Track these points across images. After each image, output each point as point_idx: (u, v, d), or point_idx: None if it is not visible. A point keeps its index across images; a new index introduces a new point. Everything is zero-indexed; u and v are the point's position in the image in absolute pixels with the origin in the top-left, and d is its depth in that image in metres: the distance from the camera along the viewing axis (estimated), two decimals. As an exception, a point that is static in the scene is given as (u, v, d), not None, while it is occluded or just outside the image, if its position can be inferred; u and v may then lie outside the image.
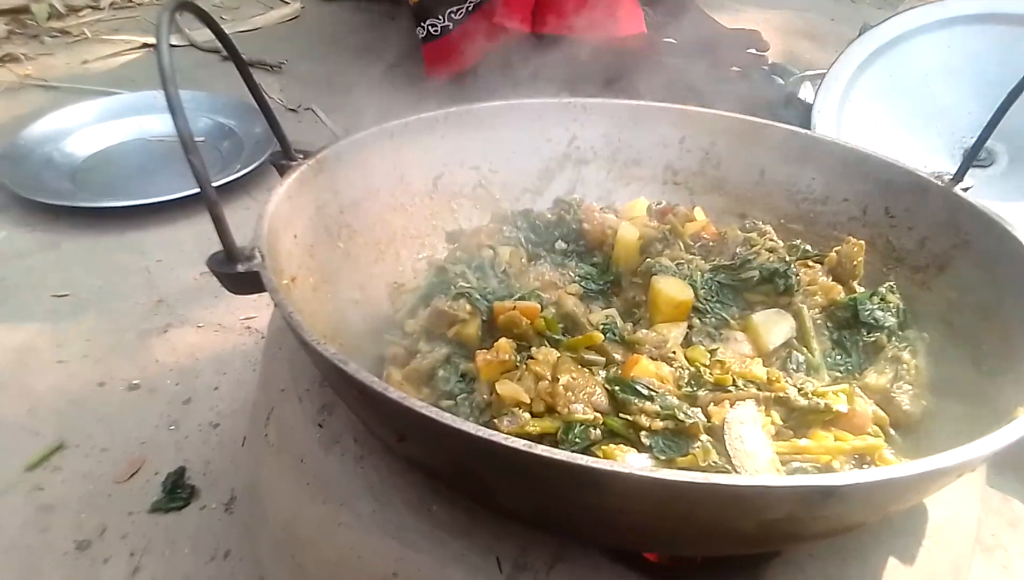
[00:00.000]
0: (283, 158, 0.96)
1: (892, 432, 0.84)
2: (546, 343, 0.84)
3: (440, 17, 2.17)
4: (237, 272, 0.73)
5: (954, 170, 1.01)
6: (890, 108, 1.91)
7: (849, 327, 0.93)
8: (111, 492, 1.12)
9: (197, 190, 0.68)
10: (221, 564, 1.02)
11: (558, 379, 0.75)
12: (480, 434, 0.55)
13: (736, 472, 0.69)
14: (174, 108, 0.65)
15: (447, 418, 0.57)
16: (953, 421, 0.83)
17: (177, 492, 1.11)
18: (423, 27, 2.19)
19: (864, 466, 0.77)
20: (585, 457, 0.54)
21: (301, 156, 0.96)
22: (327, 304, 0.92)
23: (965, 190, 0.99)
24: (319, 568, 0.83)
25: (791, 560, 0.73)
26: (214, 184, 1.83)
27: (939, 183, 1.01)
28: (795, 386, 0.79)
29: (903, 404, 0.85)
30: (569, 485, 0.57)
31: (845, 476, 0.53)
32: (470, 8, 2.11)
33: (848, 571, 0.73)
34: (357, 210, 1.04)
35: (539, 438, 0.74)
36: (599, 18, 1.92)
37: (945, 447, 0.74)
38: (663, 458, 0.71)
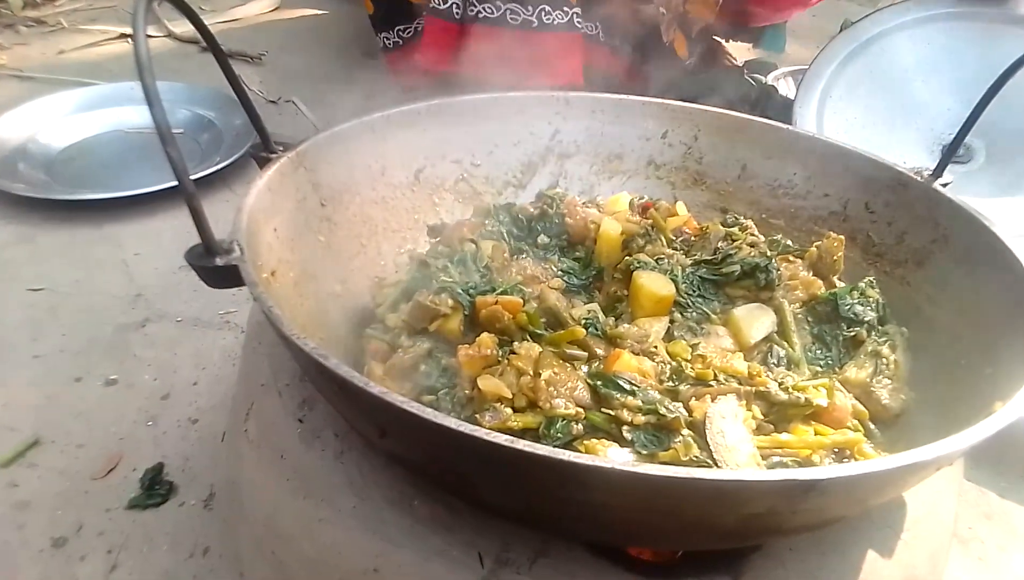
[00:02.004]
0: (263, 151, 0.95)
1: (872, 426, 0.85)
2: (528, 338, 0.84)
3: (390, 33, 2.18)
4: (216, 266, 0.72)
5: (933, 166, 1.02)
6: (870, 104, 1.92)
7: (829, 322, 0.93)
8: (88, 489, 1.10)
9: (175, 183, 0.67)
10: (200, 561, 1.01)
11: (540, 374, 0.75)
12: (461, 429, 0.55)
13: (717, 466, 0.69)
14: (151, 99, 0.64)
15: (428, 413, 0.56)
16: (932, 415, 0.84)
17: (155, 489, 1.10)
18: (379, 38, 2.23)
19: (844, 460, 0.78)
20: (567, 452, 0.53)
21: (281, 149, 0.95)
22: (308, 298, 0.91)
23: (944, 186, 1.00)
24: (299, 564, 0.82)
25: (771, 554, 0.73)
26: (193, 177, 1.80)
27: (918, 179, 1.02)
28: (776, 381, 0.80)
29: (882, 398, 0.86)
30: (551, 480, 0.57)
31: (825, 470, 0.53)
32: (418, 29, 2.11)
33: (828, 564, 0.74)
34: (338, 203, 1.03)
35: (521, 433, 0.73)
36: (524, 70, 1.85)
37: (924, 441, 0.74)
38: (645, 453, 0.71)
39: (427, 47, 2.00)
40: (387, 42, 2.21)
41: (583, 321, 0.87)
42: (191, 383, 1.29)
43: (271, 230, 0.88)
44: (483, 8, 1.93)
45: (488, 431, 0.55)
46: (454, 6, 1.95)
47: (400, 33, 2.16)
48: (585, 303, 0.96)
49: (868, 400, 0.86)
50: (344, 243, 1.03)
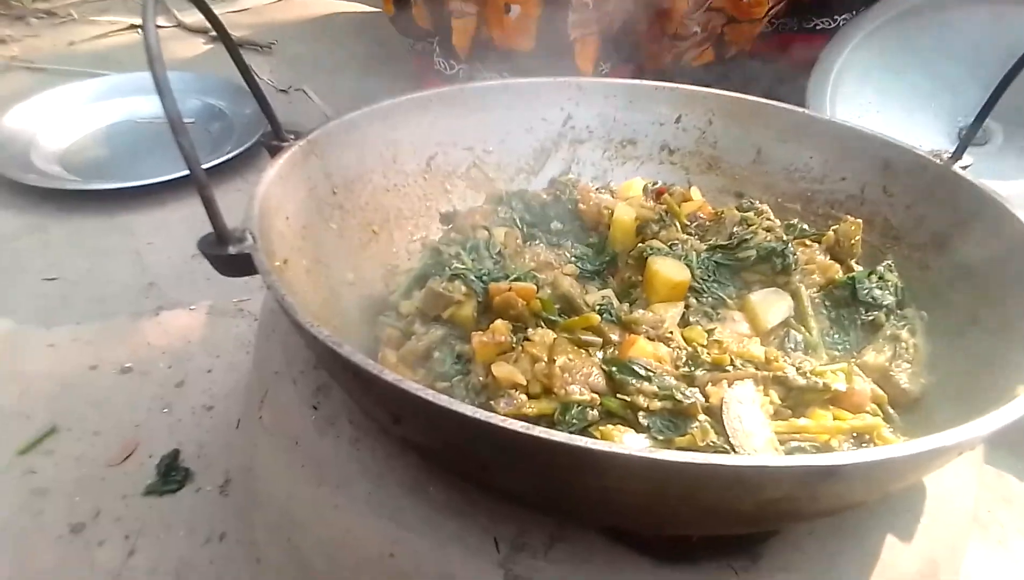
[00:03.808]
0: (274, 139, 0.95)
1: (891, 411, 0.84)
2: (542, 324, 0.84)
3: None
4: (228, 254, 0.72)
5: (952, 149, 1.00)
6: (885, 88, 1.90)
7: (847, 306, 0.92)
8: (104, 475, 1.11)
9: (187, 172, 0.67)
10: (217, 547, 1.01)
11: (555, 361, 0.74)
12: (476, 416, 0.55)
13: (735, 452, 0.69)
14: (161, 88, 0.64)
15: (443, 400, 0.56)
16: (952, 399, 0.83)
17: (171, 475, 1.10)
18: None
19: (863, 445, 0.77)
20: (583, 438, 0.53)
21: (292, 137, 0.95)
22: (320, 286, 0.91)
23: (964, 168, 0.99)
24: (315, 550, 0.82)
25: (789, 538, 0.73)
26: (204, 166, 1.80)
27: (938, 161, 1.00)
28: (793, 365, 0.79)
29: (902, 382, 0.85)
30: (566, 466, 0.56)
31: (845, 456, 0.52)
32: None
33: (846, 549, 0.73)
34: (350, 191, 1.03)
35: (536, 419, 0.73)
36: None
37: (944, 425, 0.73)
38: (661, 438, 0.70)
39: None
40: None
41: (597, 307, 0.87)
42: (205, 370, 1.30)
43: (283, 219, 0.87)
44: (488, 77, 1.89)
45: (503, 418, 0.55)
46: (460, 72, 1.92)
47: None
48: (599, 289, 0.96)
49: (887, 384, 0.85)
50: (356, 231, 1.03)
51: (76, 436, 1.17)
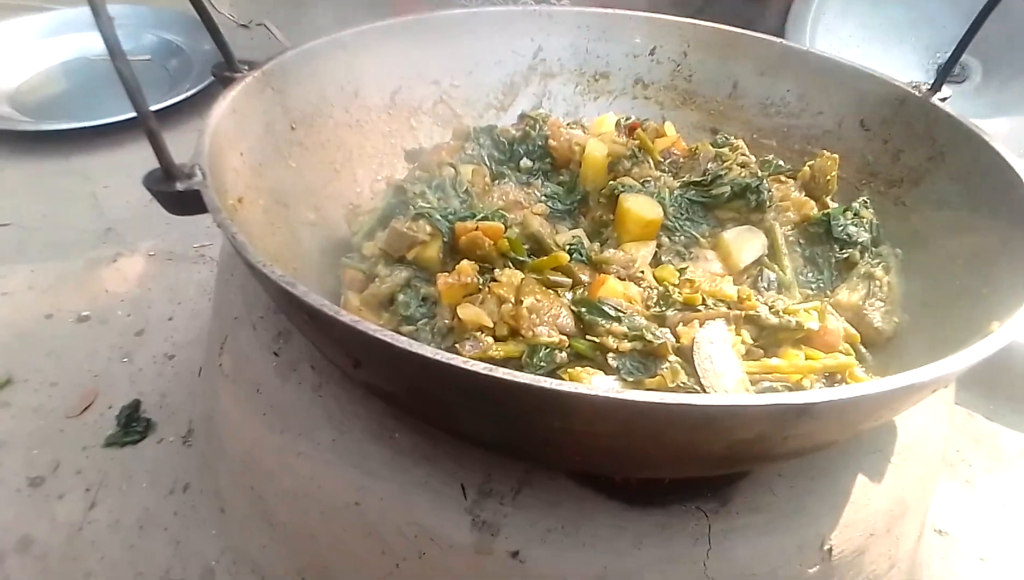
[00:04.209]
0: (226, 70, 0.89)
1: (863, 350, 0.83)
2: (510, 265, 0.81)
3: None
4: (176, 191, 0.68)
5: (931, 82, 0.97)
6: (865, 21, 1.86)
7: (821, 243, 0.90)
8: (63, 427, 1.08)
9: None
10: (181, 497, 0.99)
11: (522, 302, 0.72)
12: (437, 358, 0.52)
13: (705, 393, 0.67)
14: (97, 9, 0.59)
15: (402, 342, 0.53)
16: (925, 338, 0.82)
17: (132, 426, 1.07)
18: None
19: (835, 385, 0.76)
20: (549, 379, 0.51)
21: (246, 68, 0.90)
22: (279, 227, 0.87)
23: (943, 100, 0.96)
24: (279, 499, 0.81)
25: (760, 480, 0.72)
26: (162, 105, 1.73)
27: (916, 93, 0.97)
28: (766, 304, 0.77)
29: (875, 321, 0.84)
30: (532, 409, 0.54)
31: (817, 394, 0.51)
32: None
33: (817, 489, 0.72)
34: (309, 127, 0.98)
35: (503, 362, 0.71)
36: None
37: (917, 364, 0.72)
38: (631, 380, 0.69)
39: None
40: None
41: (567, 247, 0.84)
42: (166, 318, 1.26)
43: (237, 155, 0.83)
44: None
45: (465, 359, 0.52)
46: None
47: None
48: (570, 229, 0.93)
49: (860, 323, 0.84)
50: (317, 169, 0.98)
51: (33, 387, 1.13)
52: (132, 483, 1.02)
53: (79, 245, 1.40)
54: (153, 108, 1.65)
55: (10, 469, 1.02)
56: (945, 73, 0.95)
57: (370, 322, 0.81)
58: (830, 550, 0.72)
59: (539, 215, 0.91)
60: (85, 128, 1.64)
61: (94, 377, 1.15)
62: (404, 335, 0.78)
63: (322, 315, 0.57)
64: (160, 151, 0.68)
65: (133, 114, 1.68)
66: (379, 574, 0.74)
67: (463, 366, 0.52)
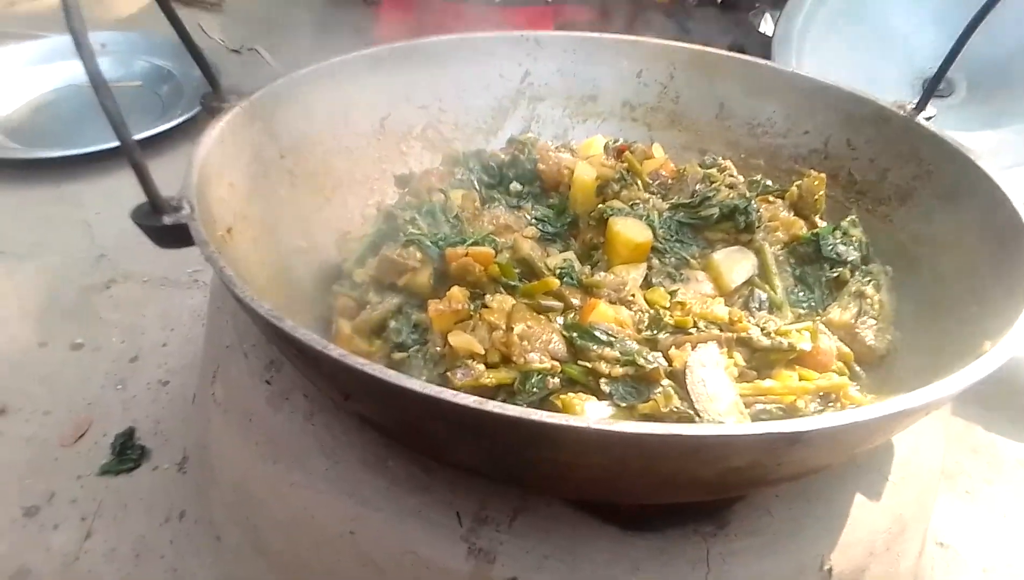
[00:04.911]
0: (214, 100, 0.90)
1: (857, 368, 0.83)
2: (501, 290, 0.81)
3: None
4: (163, 225, 0.68)
5: (916, 100, 0.98)
6: (850, 39, 1.87)
7: (811, 262, 0.91)
8: (57, 456, 1.07)
9: (138, 137, 0.63)
10: (176, 525, 0.98)
11: (512, 328, 0.72)
12: (426, 391, 0.52)
13: (699, 417, 0.67)
14: (79, 41, 0.59)
15: (391, 375, 0.53)
16: (918, 355, 0.82)
17: (127, 453, 1.07)
18: None
19: (829, 405, 0.76)
20: (539, 412, 0.51)
21: (234, 98, 0.90)
22: (270, 255, 0.87)
23: (927, 120, 0.97)
24: (274, 529, 0.80)
25: (757, 502, 0.72)
26: (153, 131, 1.73)
27: (901, 113, 0.98)
28: (758, 326, 0.77)
29: (867, 339, 0.84)
30: (523, 441, 0.54)
31: (810, 422, 0.51)
32: None
33: (814, 511, 0.72)
34: (299, 154, 0.98)
35: (495, 390, 0.71)
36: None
37: (911, 382, 0.72)
38: (624, 405, 0.69)
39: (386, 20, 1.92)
40: None
41: (558, 270, 0.84)
42: (160, 344, 1.26)
43: (226, 185, 0.83)
44: None
45: (454, 392, 0.52)
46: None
47: None
48: (560, 252, 0.93)
49: (853, 341, 0.84)
50: (307, 196, 0.98)
51: (25, 416, 1.13)
52: (127, 512, 1.01)
53: (72, 272, 1.40)
54: (143, 135, 1.65)
55: (4, 499, 1.01)
56: (930, 92, 0.96)
57: (361, 349, 0.83)
58: (830, 570, 0.71)
59: (529, 238, 0.92)
60: (76, 155, 1.64)
61: (88, 405, 1.15)
62: (396, 362, 0.80)
63: (310, 350, 0.57)
64: (146, 184, 0.68)
65: (135, 137, 1.68)
66: (374, 604, 0.74)
67: (451, 399, 0.52)
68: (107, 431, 1.10)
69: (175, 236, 0.69)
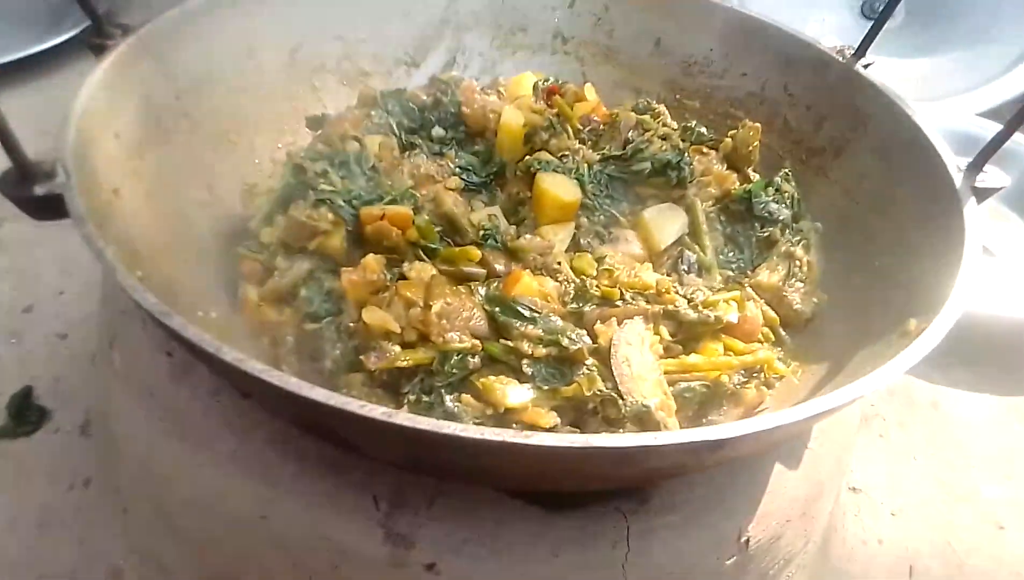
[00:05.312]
0: (95, 36, 0.79)
1: (783, 333, 0.82)
2: (421, 255, 0.76)
3: None
4: (35, 195, 0.61)
5: (855, 45, 0.94)
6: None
7: (743, 221, 0.88)
8: (-53, 419, 1.00)
9: (21, 54, 0.54)
10: (82, 493, 0.94)
11: (431, 306, 0.67)
12: (331, 403, 0.48)
13: (622, 398, 0.65)
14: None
15: (292, 384, 0.49)
16: (844, 320, 0.82)
17: (25, 415, 1.00)
18: None
19: (754, 376, 0.75)
20: (451, 424, 0.47)
21: (119, 32, 0.80)
22: (165, 213, 0.79)
23: (866, 67, 0.93)
24: (182, 509, 0.76)
25: (681, 478, 0.71)
26: (41, 47, 1.55)
27: (840, 59, 0.94)
28: (685, 297, 0.75)
29: (794, 303, 0.83)
30: (437, 449, 0.51)
31: (732, 428, 0.48)
32: None
33: (736, 483, 0.72)
34: (198, 95, 0.89)
35: (412, 371, 0.67)
36: None
37: (835, 349, 0.72)
38: (546, 388, 0.66)
39: None
40: None
41: (482, 230, 0.79)
42: (57, 293, 1.17)
43: (111, 137, 0.75)
44: None
45: (362, 404, 0.48)
46: None
47: None
48: (486, 204, 0.88)
49: (780, 305, 0.83)
50: (208, 142, 0.90)
51: (-90, 374, 1.05)
52: (29, 478, 0.95)
53: (-46, 211, 1.27)
54: (28, 52, 1.46)
55: None
56: (871, 37, 0.92)
57: (270, 318, 0.77)
58: (747, 541, 0.72)
59: (453, 191, 0.86)
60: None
61: (-22, 361, 1.07)
62: (308, 334, 0.75)
63: (202, 351, 0.51)
64: (12, 149, 0.60)
65: (10, 57, 1.51)
66: (290, 586, 0.71)
67: (359, 412, 0.48)
68: (2, 390, 1.03)
69: (50, 207, 0.62)
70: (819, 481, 0.78)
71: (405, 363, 0.66)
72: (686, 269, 0.83)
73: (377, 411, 0.48)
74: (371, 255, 0.73)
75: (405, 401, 0.66)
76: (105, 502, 0.92)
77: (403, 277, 0.72)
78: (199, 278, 0.79)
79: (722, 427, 0.49)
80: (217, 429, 0.73)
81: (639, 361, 0.67)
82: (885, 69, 0.96)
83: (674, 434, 0.48)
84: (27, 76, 1.51)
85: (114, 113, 0.75)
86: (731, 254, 0.87)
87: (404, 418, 0.47)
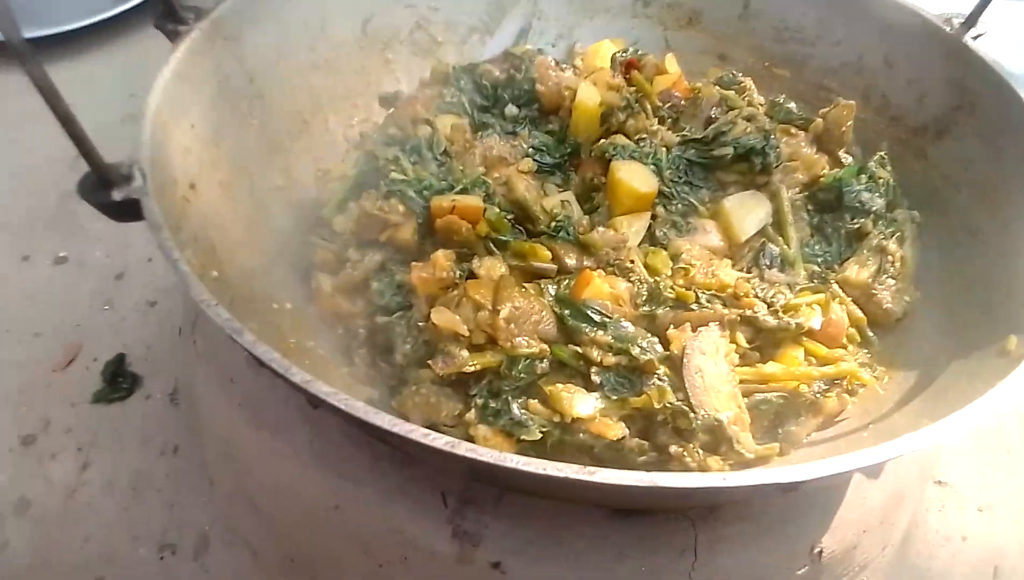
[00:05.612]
0: (169, 21, 0.79)
1: (870, 333, 0.78)
2: (492, 246, 0.75)
3: None
4: (113, 201, 0.62)
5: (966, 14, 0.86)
6: None
7: (832, 211, 0.83)
8: (50, 382, 1.06)
9: (116, 10, 0.55)
10: (171, 459, 0.98)
11: (499, 311, 0.66)
12: (395, 430, 0.48)
13: (693, 412, 0.63)
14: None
15: (358, 409, 0.49)
16: (936, 320, 0.77)
17: (119, 381, 1.05)
18: None
19: (836, 383, 0.72)
20: (509, 457, 0.47)
21: (192, 17, 0.80)
22: (242, 201, 0.80)
23: (976, 38, 0.85)
24: (261, 491, 0.79)
25: (749, 486, 0.69)
26: (119, 8, 1.55)
27: (947, 28, 0.86)
28: (764, 301, 0.71)
29: (884, 302, 0.78)
30: (498, 475, 0.51)
31: (800, 471, 0.46)
32: None
33: (812, 495, 0.70)
34: (272, 75, 0.89)
35: (480, 373, 0.67)
36: None
37: (926, 355, 0.67)
38: (615, 398, 0.65)
39: None
40: None
41: (554, 220, 0.77)
42: (146, 259, 1.21)
43: (187, 128, 0.75)
44: None
45: (426, 432, 0.48)
46: None
47: None
48: (559, 187, 0.86)
49: (868, 303, 0.79)
50: (283, 123, 0.90)
51: (16, 338, 1.11)
52: (123, 442, 1.01)
53: (49, 175, 1.32)
54: (104, 16, 1.44)
55: (1, 428, 1.01)
56: (983, 5, 0.84)
57: (344, 309, 0.78)
58: (820, 552, 0.70)
59: (525, 174, 0.84)
60: (47, 36, 1.51)
61: (76, 327, 1.12)
62: (380, 326, 0.75)
63: (271, 368, 0.52)
64: (89, 155, 0.61)
65: (100, 16, 1.51)
66: (362, 573, 0.74)
67: (421, 441, 0.48)
68: (97, 356, 1.08)
69: (130, 211, 0.63)
70: (899, 491, 0.75)
71: (472, 368, 0.66)
72: (768, 264, 0.79)
73: (440, 441, 0.48)
74: (441, 251, 0.72)
75: (473, 405, 0.66)
76: (192, 470, 0.97)
77: (472, 274, 0.71)
78: (275, 267, 0.80)
79: (794, 469, 0.47)
80: (293, 420, 0.75)
81: (713, 372, 0.65)
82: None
83: (743, 475, 0.46)
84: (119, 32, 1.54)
85: (189, 102, 0.76)
86: (817, 247, 0.83)
87: (466, 449, 0.47)
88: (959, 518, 0.97)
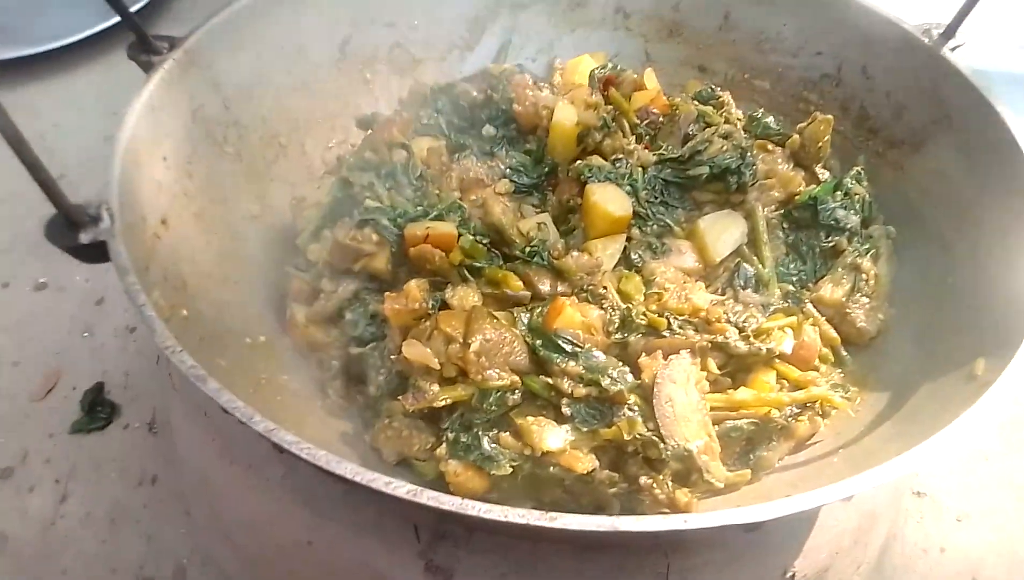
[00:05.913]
0: (141, 52, 0.79)
1: (843, 352, 0.78)
2: (465, 274, 0.74)
3: None
4: (80, 244, 0.61)
5: (944, 23, 0.85)
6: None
7: (807, 228, 0.83)
8: (28, 412, 1.05)
9: (100, 27, 0.54)
10: (150, 490, 0.98)
11: (470, 344, 0.65)
12: (358, 479, 0.48)
13: (663, 442, 0.63)
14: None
15: (320, 459, 0.49)
16: (910, 338, 0.76)
17: (97, 411, 1.04)
18: None
19: (808, 407, 0.71)
20: (472, 504, 0.47)
21: (165, 47, 0.79)
22: (216, 231, 0.79)
23: (955, 49, 0.84)
24: (237, 527, 0.79)
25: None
26: (106, 24, 1.53)
27: (926, 40, 0.85)
28: (736, 326, 0.71)
29: (858, 320, 0.78)
30: (464, 520, 0.50)
31: (768, 509, 0.46)
32: None
33: (783, 520, 0.68)
34: (248, 101, 0.88)
35: (451, 408, 0.66)
36: None
37: (898, 375, 0.67)
38: (585, 430, 0.64)
39: None
40: None
41: (530, 244, 0.77)
42: (126, 284, 1.20)
43: (159, 161, 0.75)
44: None
45: (389, 480, 0.48)
46: None
47: None
48: (536, 208, 0.85)
49: (842, 322, 0.78)
50: (259, 148, 0.89)
51: (-5, 367, 1.10)
52: (101, 473, 1.00)
53: (30, 198, 1.30)
54: (87, 33, 1.42)
55: (-21, 459, 1.01)
56: (962, 15, 0.82)
57: (318, 339, 0.77)
58: (792, 576, 0.69)
59: (502, 195, 0.84)
60: (28, 56, 1.50)
61: (56, 354, 1.11)
62: (353, 357, 0.75)
63: (235, 416, 0.52)
64: (56, 198, 0.60)
65: (85, 33, 1.48)
66: (339, 607, 0.73)
67: (385, 490, 0.48)
68: (76, 384, 1.08)
69: (98, 254, 0.62)
70: (872, 512, 0.74)
71: (443, 403, 0.65)
72: (742, 284, 0.78)
73: (403, 490, 0.48)
74: (414, 281, 0.72)
75: (444, 439, 0.66)
76: (170, 501, 0.96)
77: (445, 304, 0.71)
78: (249, 299, 0.79)
79: (755, 509, 0.46)
80: (266, 454, 0.74)
81: (683, 401, 0.64)
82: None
83: (705, 517, 0.46)
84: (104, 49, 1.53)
85: (162, 135, 0.76)
86: (792, 265, 0.82)
87: (428, 497, 0.47)
88: (937, 529, 0.96)
